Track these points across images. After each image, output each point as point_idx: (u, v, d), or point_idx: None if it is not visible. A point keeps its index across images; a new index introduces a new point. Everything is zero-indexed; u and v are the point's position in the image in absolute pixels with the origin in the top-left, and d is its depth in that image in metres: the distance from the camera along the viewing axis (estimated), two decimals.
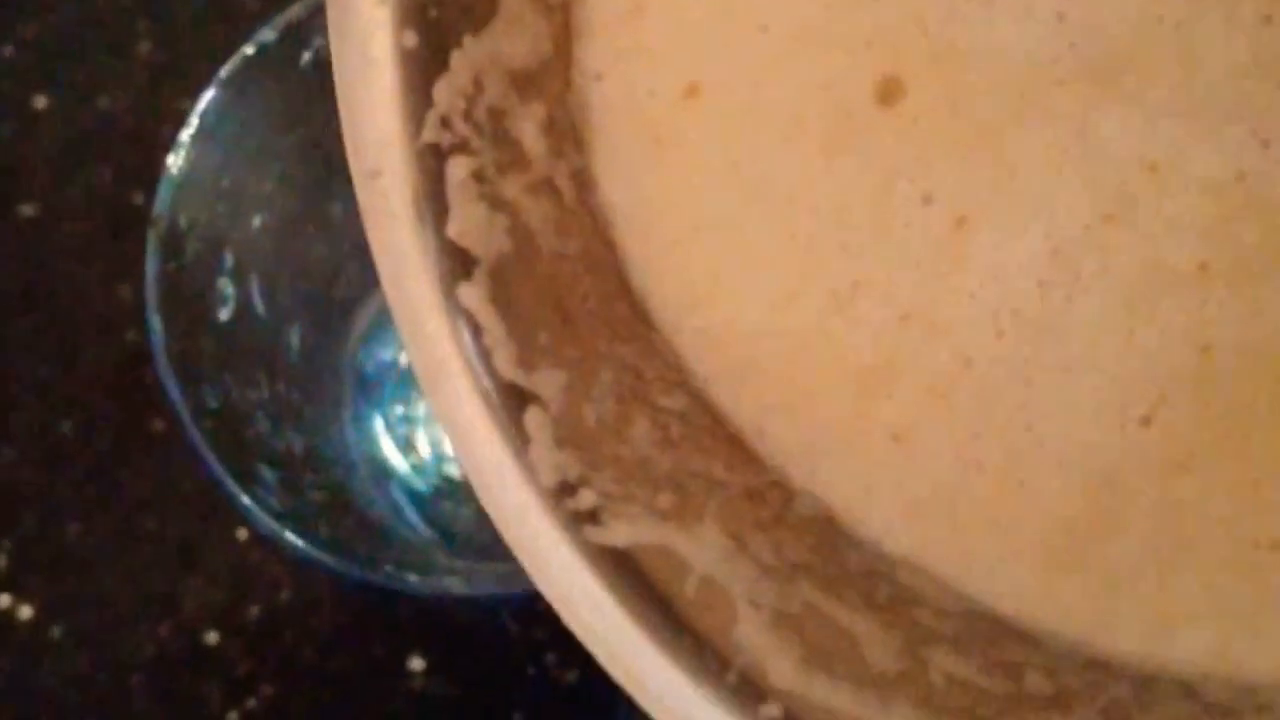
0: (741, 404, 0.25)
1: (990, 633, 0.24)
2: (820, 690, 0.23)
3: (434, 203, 0.22)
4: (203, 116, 0.42)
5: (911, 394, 0.24)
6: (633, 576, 0.23)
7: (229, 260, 0.44)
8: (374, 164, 0.22)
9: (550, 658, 0.49)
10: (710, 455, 0.24)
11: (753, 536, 0.24)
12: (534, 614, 0.50)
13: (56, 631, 0.50)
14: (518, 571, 0.42)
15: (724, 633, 0.23)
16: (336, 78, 0.22)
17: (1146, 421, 0.23)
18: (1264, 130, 0.23)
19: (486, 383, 0.22)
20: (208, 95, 0.42)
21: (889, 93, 0.25)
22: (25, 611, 0.50)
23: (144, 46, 0.53)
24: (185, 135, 0.41)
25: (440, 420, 0.22)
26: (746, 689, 0.22)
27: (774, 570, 0.23)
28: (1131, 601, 0.24)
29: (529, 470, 0.22)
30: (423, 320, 0.22)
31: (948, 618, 0.24)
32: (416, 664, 0.50)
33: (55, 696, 0.49)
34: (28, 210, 0.52)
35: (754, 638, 0.23)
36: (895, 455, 0.24)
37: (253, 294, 0.45)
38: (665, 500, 0.23)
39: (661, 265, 0.25)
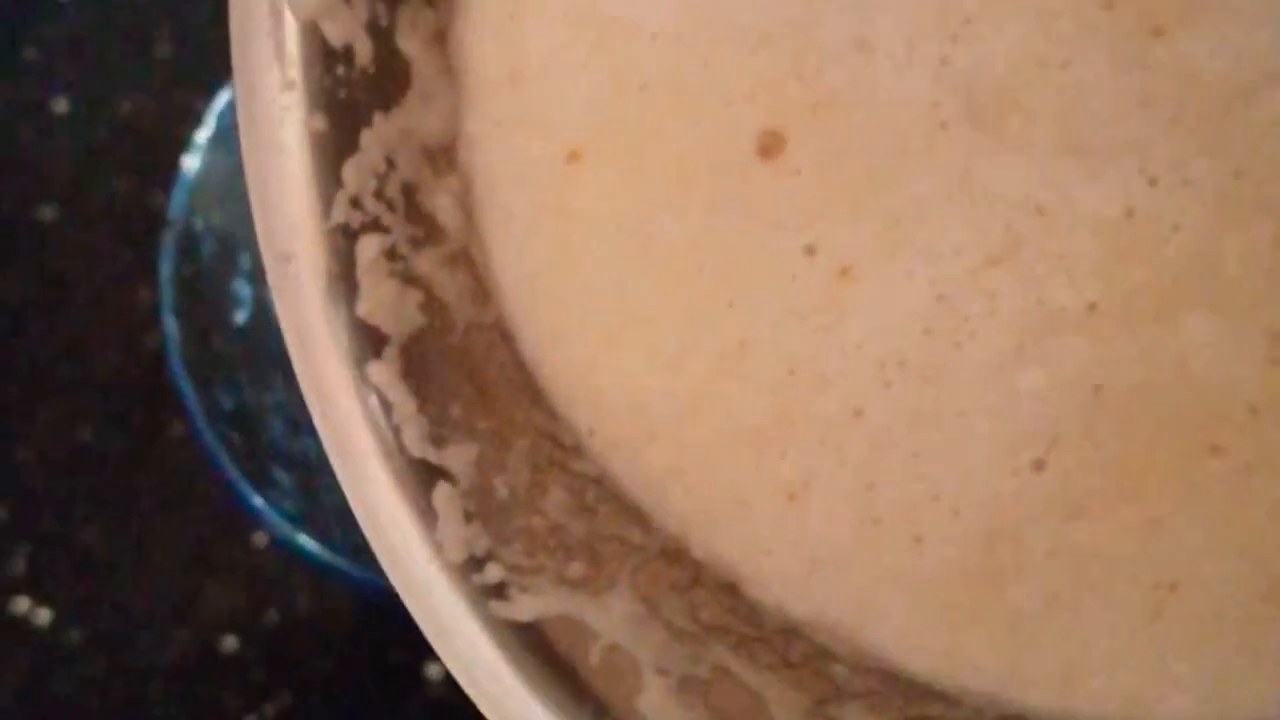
0: (638, 470, 0.25)
1: (906, 690, 0.24)
2: None
3: (344, 283, 0.23)
4: (218, 118, 0.42)
5: (804, 449, 0.24)
6: (536, 646, 0.23)
7: (245, 262, 0.44)
8: (285, 247, 0.23)
9: None
10: (625, 520, 0.25)
11: (667, 600, 0.24)
12: None
13: (74, 635, 0.50)
14: None
15: (627, 700, 0.23)
16: (245, 160, 0.23)
17: (1040, 466, 0.23)
18: (1151, 166, 0.23)
19: (396, 461, 0.23)
20: (223, 97, 0.42)
21: (770, 145, 0.24)
22: (43, 615, 0.50)
23: (164, 49, 0.53)
24: (200, 137, 0.41)
25: (348, 494, 0.22)
26: None
27: (685, 634, 0.24)
28: (1037, 652, 0.23)
29: (435, 546, 0.23)
30: (332, 398, 0.23)
31: (863, 675, 0.24)
32: (434, 672, 0.49)
33: (72, 700, 0.50)
34: (48, 213, 0.52)
35: (657, 704, 0.23)
36: (792, 514, 0.24)
37: (268, 296, 0.45)
38: (577, 569, 0.24)
39: (550, 334, 0.25)
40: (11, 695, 0.50)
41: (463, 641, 0.23)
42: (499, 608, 0.23)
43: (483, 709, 0.23)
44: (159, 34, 0.54)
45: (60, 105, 0.54)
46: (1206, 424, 0.23)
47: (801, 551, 0.24)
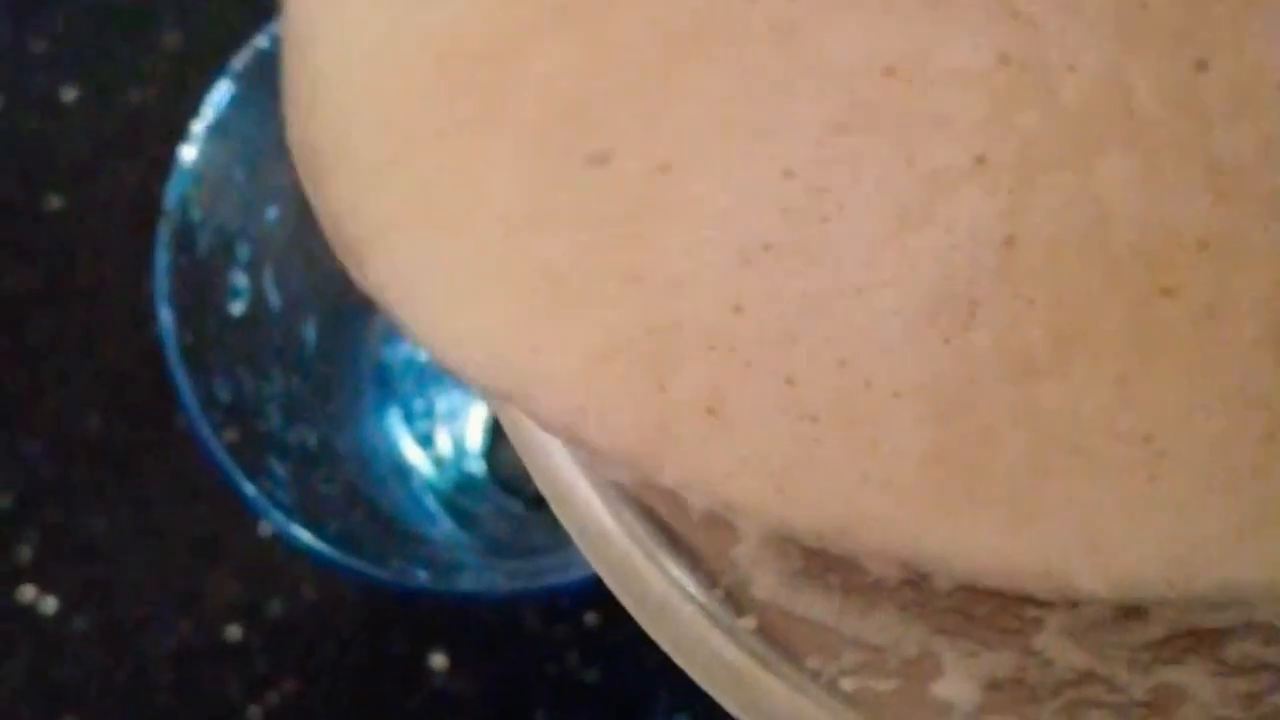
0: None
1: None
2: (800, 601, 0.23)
3: None
4: (216, 108, 0.42)
5: (696, 358, 0.21)
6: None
7: (243, 253, 0.44)
8: None
9: (572, 656, 0.49)
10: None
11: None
12: (556, 612, 0.50)
13: (79, 624, 0.50)
14: (534, 569, 0.42)
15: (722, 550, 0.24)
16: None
17: (967, 328, 0.21)
18: (1024, 4, 0.21)
19: None
20: (221, 87, 0.42)
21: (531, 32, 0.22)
22: (49, 604, 0.50)
23: (171, 38, 0.54)
24: (199, 127, 0.42)
25: None
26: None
27: None
28: (1048, 529, 0.21)
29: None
30: None
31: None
32: (438, 661, 0.50)
33: (77, 689, 0.50)
34: (55, 203, 0.53)
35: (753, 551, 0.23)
36: (719, 429, 0.21)
37: (267, 287, 0.45)
38: None
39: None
40: (18, 682, 0.50)
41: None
42: None
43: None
44: (167, 24, 0.54)
45: (68, 95, 0.54)
46: (1151, 267, 0.21)
47: (753, 467, 0.21)
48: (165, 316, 0.41)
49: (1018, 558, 0.20)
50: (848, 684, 0.23)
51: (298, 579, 0.51)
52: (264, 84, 0.43)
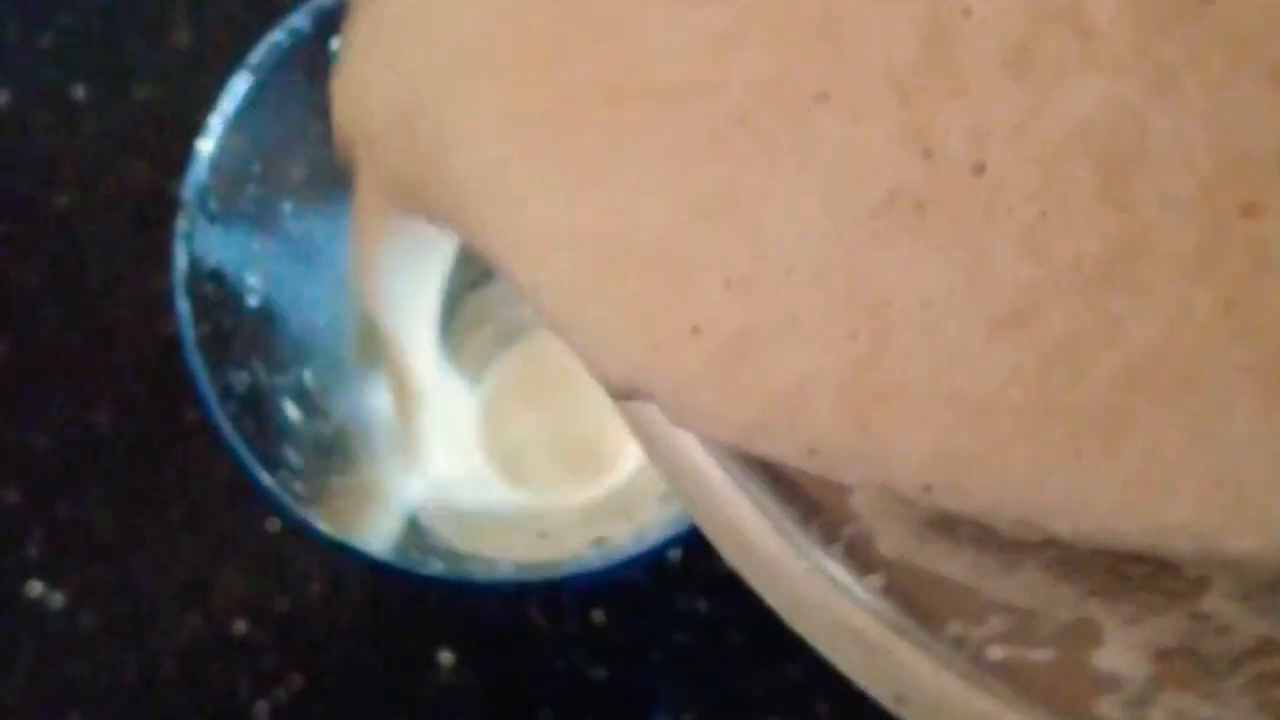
0: None
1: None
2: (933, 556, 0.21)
3: None
4: (233, 102, 0.42)
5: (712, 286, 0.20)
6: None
7: (258, 246, 0.45)
8: None
9: (579, 653, 0.49)
10: None
11: None
12: (563, 609, 0.50)
13: (87, 620, 0.50)
14: (542, 563, 0.42)
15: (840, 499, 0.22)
16: None
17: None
18: None
19: None
20: (238, 81, 0.42)
21: None
22: (57, 600, 0.50)
23: (181, 35, 0.54)
24: (215, 120, 0.42)
25: None
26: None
27: None
28: (1110, 471, 0.19)
29: None
30: None
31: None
32: (445, 657, 0.50)
33: (85, 684, 0.50)
34: (63, 200, 0.53)
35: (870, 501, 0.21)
36: (748, 361, 0.20)
37: (283, 279, 0.45)
38: None
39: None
40: (25, 678, 0.50)
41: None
42: None
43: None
44: (177, 22, 0.54)
45: (78, 92, 0.54)
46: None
47: (822, 395, 0.20)
48: (183, 308, 0.41)
49: (1151, 514, 0.18)
50: (996, 652, 0.21)
51: (305, 575, 0.51)
52: (280, 78, 0.43)
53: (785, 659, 0.50)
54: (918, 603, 0.21)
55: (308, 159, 0.45)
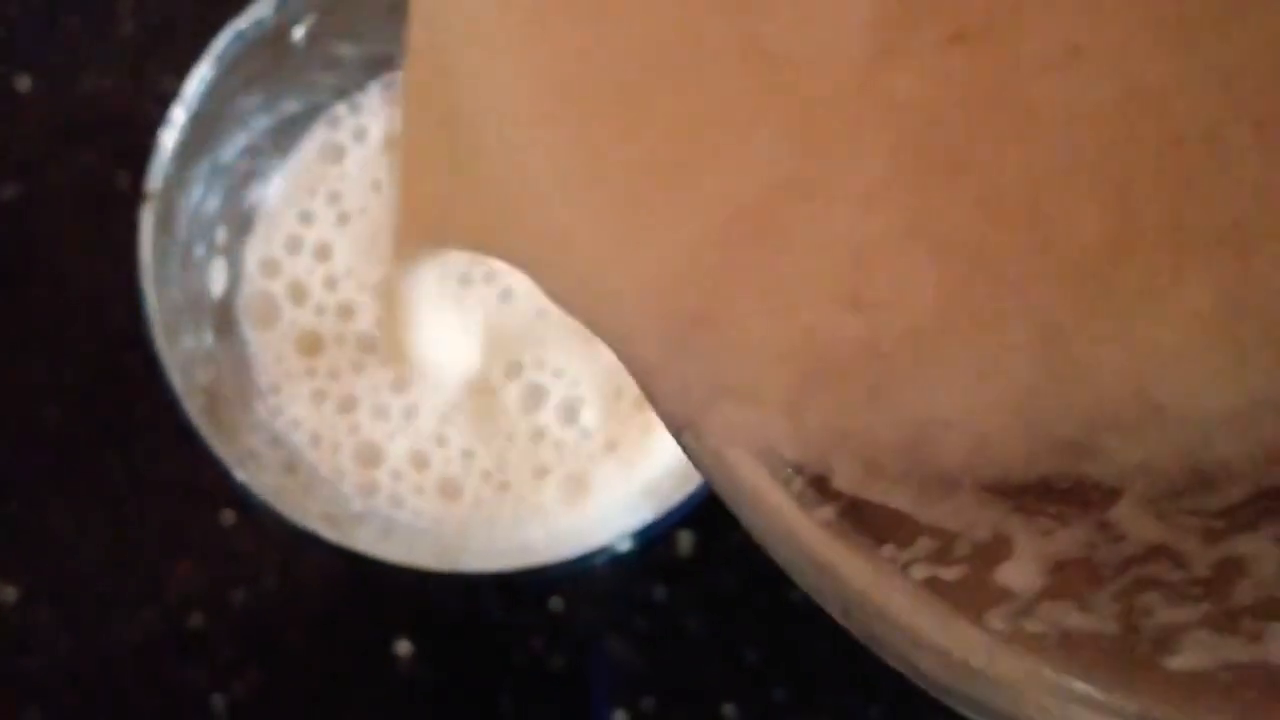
0: None
1: None
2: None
3: None
4: (195, 91, 0.42)
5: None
6: None
7: (221, 236, 0.45)
8: None
9: (537, 643, 0.50)
10: None
11: None
12: (521, 600, 0.51)
13: (41, 615, 0.50)
14: (501, 551, 0.43)
15: None
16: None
17: None
18: None
19: None
20: (201, 70, 0.42)
21: None
22: (10, 594, 0.51)
23: (127, 26, 0.54)
24: (178, 110, 0.42)
25: None
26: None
27: None
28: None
29: None
30: None
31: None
32: (403, 647, 0.50)
33: (40, 679, 0.50)
34: (10, 191, 0.53)
35: None
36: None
37: (246, 269, 0.46)
38: None
39: None
40: None
41: None
42: None
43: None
44: (122, 13, 0.54)
45: (23, 83, 0.54)
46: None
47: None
48: (150, 300, 0.41)
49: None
50: (919, 571, 0.23)
51: (261, 568, 0.51)
52: (242, 67, 0.44)
53: (743, 645, 0.51)
54: (861, 527, 0.24)
55: (269, 147, 0.46)
